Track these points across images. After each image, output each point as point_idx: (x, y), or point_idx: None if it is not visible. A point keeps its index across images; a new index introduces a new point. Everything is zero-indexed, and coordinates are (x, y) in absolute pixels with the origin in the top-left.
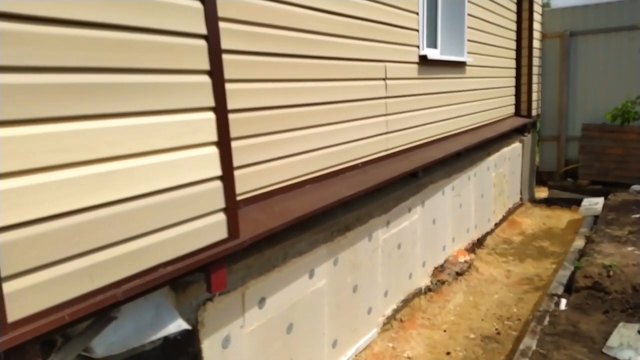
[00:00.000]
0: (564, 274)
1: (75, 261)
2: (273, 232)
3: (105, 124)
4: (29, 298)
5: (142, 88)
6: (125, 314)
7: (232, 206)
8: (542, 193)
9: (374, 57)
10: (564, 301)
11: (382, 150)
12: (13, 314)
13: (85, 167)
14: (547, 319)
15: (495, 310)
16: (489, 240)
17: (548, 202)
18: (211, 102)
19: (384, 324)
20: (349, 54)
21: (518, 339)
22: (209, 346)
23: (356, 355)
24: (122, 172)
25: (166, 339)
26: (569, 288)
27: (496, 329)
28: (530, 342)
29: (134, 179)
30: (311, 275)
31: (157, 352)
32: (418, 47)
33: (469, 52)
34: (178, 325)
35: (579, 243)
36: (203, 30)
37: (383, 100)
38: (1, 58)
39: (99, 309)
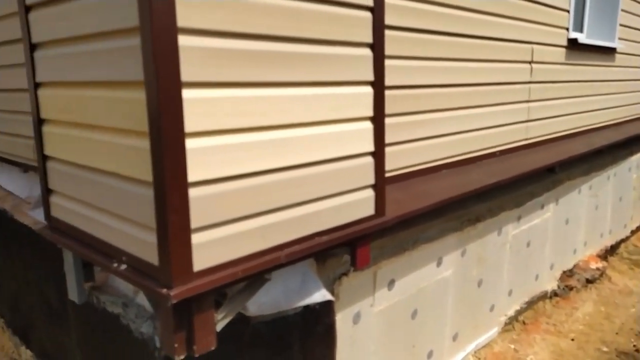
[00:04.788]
0: None
1: (251, 220)
2: (415, 214)
3: (278, 92)
4: (211, 251)
5: (312, 58)
6: (276, 278)
7: (381, 183)
8: None
9: (521, 38)
10: None
11: (521, 139)
12: (198, 264)
13: (261, 132)
14: None
15: (633, 326)
16: (623, 248)
17: None
18: (370, 76)
19: (505, 324)
20: (496, 34)
21: None
22: (342, 319)
23: (475, 352)
24: (291, 140)
25: (306, 307)
26: None
27: (634, 346)
28: None
29: (300, 147)
30: (439, 264)
31: (298, 317)
32: (567, 29)
33: (620, 38)
34: (323, 295)
35: None
36: (370, 1)
37: (526, 86)
38: (202, 21)
39: (265, 269)
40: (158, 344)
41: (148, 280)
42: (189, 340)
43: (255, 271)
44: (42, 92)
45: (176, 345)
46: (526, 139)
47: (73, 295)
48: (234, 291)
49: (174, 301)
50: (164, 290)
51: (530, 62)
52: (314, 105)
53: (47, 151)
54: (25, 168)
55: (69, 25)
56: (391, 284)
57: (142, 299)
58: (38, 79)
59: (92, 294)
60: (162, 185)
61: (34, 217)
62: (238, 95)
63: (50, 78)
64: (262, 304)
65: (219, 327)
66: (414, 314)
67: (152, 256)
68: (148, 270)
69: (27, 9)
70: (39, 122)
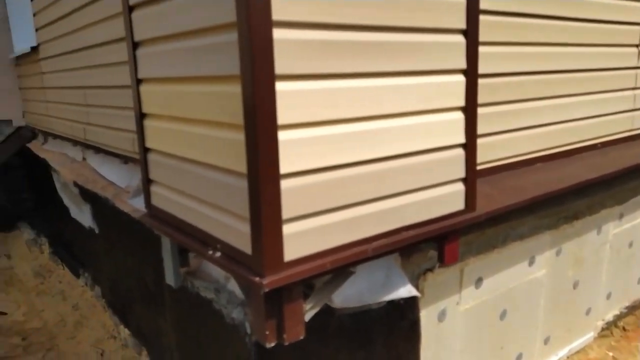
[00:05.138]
0: None
1: (339, 212)
2: (506, 210)
3: (369, 83)
4: (301, 242)
5: (403, 47)
6: (361, 272)
7: (472, 177)
8: None
9: (627, 20)
10: None
11: (625, 130)
12: (289, 254)
13: (351, 124)
14: None
15: None
16: None
17: None
18: (463, 64)
19: (602, 329)
20: (599, 15)
21: None
22: (426, 316)
23: (568, 357)
24: (381, 132)
25: (390, 302)
26: None
27: None
28: None
29: (390, 139)
30: (531, 263)
31: (382, 312)
32: None
33: None
34: (408, 290)
35: None
36: None
37: (633, 71)
38: (296, 13)
39: (352, 262)
40: (249, 330)
41: (241, 268)
42: (279, 329)
43: (342, 263)
44: (143, 88)
45: (267, 332)
46: (631, 130)
47: (170, 279)
48: (320, 283)
49: (266, 290)
50: (257, 279)
51: (637, 46)
52: (405, 96)
53: (148, 144)
54: (125, 160)
55: (169, 23)
56: (479, 282)
57: (233, 286)
58: (140, 76)
59: (187, 279)
60: (256, 176)
61: (133, 205)
62: (329, 87)
63: (151, 74)
64: (347, 296)
65: (307, 317)
66: (502, 315)
67: (245, 245)
68: (241, 259)
69: (130, 9)
70: (141, 117)
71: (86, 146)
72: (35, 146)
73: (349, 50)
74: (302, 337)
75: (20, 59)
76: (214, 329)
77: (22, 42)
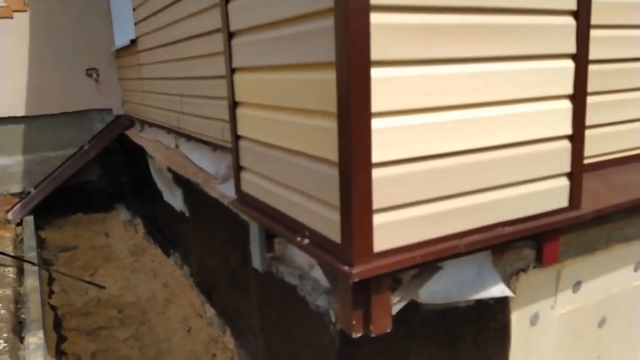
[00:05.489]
0: None
1: (432, 204)
2: (614, 210)
3: (469, 69)
4: (392, 233)
5: (506, 30)
6: (449, 267)
7: (578, 172)
8: None
9: None
10: None
11: None
12: (378, 245)
13: (448, 112)
14: None
15: None
16: None
17: None
18: (572, 49)
19: None
20: None
21: None
22: (517, 318)
23: None
24: (480, 121)
25: (479, 300)
26: None
27: None
28: None
29: (489, 128)
30: (637, 268)
31: (471, 311)
32: None
33: None
34: (501, 290)
35: None
36: None
37: None
38: None
39: (443, 257)
40: (333, 319)
41: (329, 256)
42: (366, 320)
43: (433, 258)
44: (237, 77)
45: (354, 322)
46: None
47: (256, 263)
48: (408, 276)
49: (356, 279)
50: (346, 268)
51: None
52: (507, 82)
53: (240, 131)
54: (214, 147)
55: (264, 12)
56: (577, 286)
57: (317, 273)
58: (234, 65)
59: (273, 264)
60: (348, 165)
61: (221, 191)
62: (426, 73)
63: (245, 63)
64: (433, 292)
65: (395, 310)
66: (601, 322)
67: (334, 234)
68: (330, 247)
69: (227, 0)
70: (234, 105)
71: (179, 134)
72: (132, 133)
73: (448, 34)
74: (389, 330)
75: (120, 51)
76: (298, 315)
77: (122, 36)
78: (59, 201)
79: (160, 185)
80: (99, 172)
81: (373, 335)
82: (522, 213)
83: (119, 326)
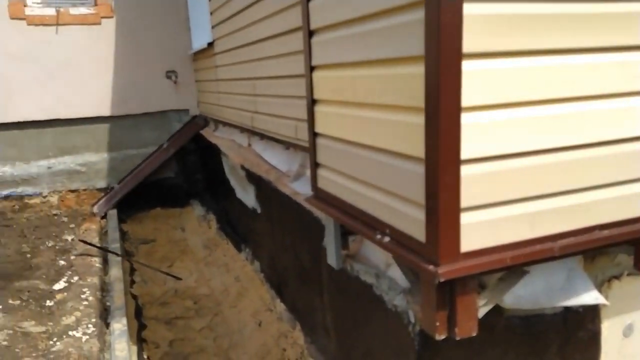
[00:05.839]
0: None
1: (523, 204)
2: None
3: (565, 60)
4: (479, 233)
5: (607, 19)
6: (537, 271)
7: None
8: None
9: None
10: None
11: None
12: (465, 245)
13: (543, 106)
14: None
15: None
16: None
17: None
18: None
19: None
20: None
21: None
22: (609, 329)
23: None
24: (577, 116)
25: (567, 308)
26: None
27: None
28: None
29: (587, 124)
30: None
31: (558, 318)
32: None
33: None
34: (594, 297)
35: None
36: None
37: None
38: None
39: (535, 259)
40: (412, 319)
41: (412, 255)
42: (450, 322)
43: (524, 260)
44: (316, 75)
45: (437, 324)
46: None
47: (331, 260)
48: (493, 279)
49: (442, 279)
50: (430, 267)
51: None
52: (607, 75)
53: (318, 129)
54: (287, 145)
55: (348, 8)
56: None
57: (394, 272)
58: (313, 63)
59: (347, 262)
60: (435, 162)
61: (294, 189)
62: (519, 66)
63: (325, 61)
64: (519, 296)
65: (480, 313)
66: None
67: (418, 232)
68: (412, 246)
69: None
70: (312, 103)
71: (252, 133)
72: (207, 132)
73: (544, 23)
74: (474, 334)
75: (197, 54)
76: (374, 314)
77: (199, 39)
78: (139, 196)
79: (233, 182)
80: (176, 170)
81: (457, 339)
82: (620, 216)
83: (194, 316)
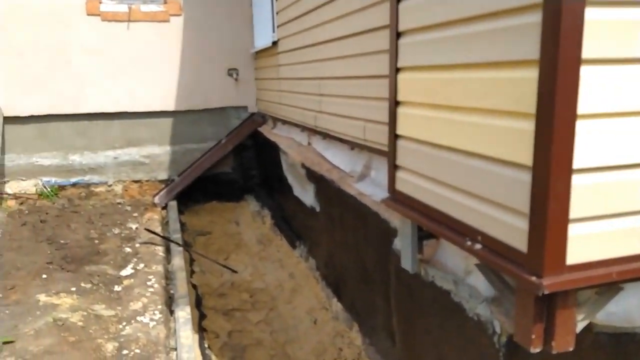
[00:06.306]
0: None
1: (630, 217)
2: None
3: None
4: (587, 245)
5: None
6: (632, 289)
7: None
8: None
9: None
10: None
11: None
12: (572, 257)
13: None
14: None
15: None
16: None
17: None
18: None
19: None
20: None
21: None
22: None
23: None
24: None
25: None
26: None
27: None
28: None
29: None
30: None
31: None
32: None
33: None
34: None
35: None
36: None
37: None
38: None
39: None
40: (498, 329)
41: (510, 264)
42: (547, 335)
43: (631, 276)
44: (401, 76)
45: (533, 336)
46: None
47: (406, 264)
48: (588, 294)
49: (546, 292)
50: (533, 279)
51: None
52: None
53: (400, 131)
54: (352, 146)
55: (448, 10)
56: None
57: (474, 280)
58: (399, 65)
59: (421, 266)
60: (545, 170)
61: (359, 189)
62: (637, 73)
63: (413, 63)
64: (611, 313)
65: (578, 328)
66: None
67: (518, 241)
68: (510, 255)
69: (398, 0)
70: (395, 104)
71: (314, 132)
72: (265, 130)
73: None
74: (571, 349)
75: (259, 53)
76: (451, 321)
77: (262, 38)
78: (196, 189)
79: (290, 180)
80: (233, 165)
81: (554, 352)
82: None
83: (250, 309)
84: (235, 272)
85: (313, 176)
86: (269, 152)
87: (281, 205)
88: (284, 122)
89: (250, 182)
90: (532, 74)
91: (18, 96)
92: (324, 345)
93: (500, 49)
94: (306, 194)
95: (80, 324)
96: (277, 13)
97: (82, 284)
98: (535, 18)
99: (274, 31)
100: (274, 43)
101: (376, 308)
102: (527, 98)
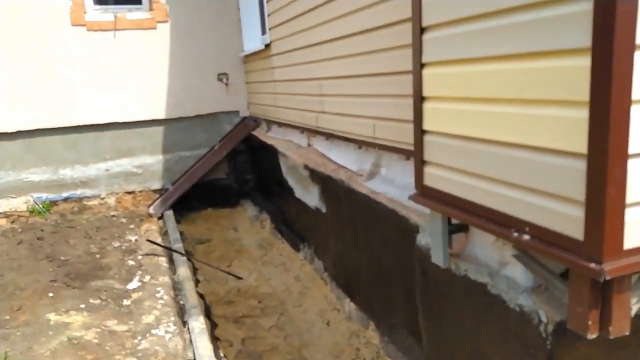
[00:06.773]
0: None
1: None
2: None
3: None
4: None
5: None
6: None
7: None
8: None
9: None
10: None
11: None
12: (629, 242)
13: None
14: None
15: None
16: None
17: None
18: None
19: None
20: None
21: None
22: None
23: None
24: None
25: None
26: None
27: None
28: None
29: None
30: None
31: None
32: None
33: None
34: None
35: None
36: None
37: None
38: None
39: None
40: (544, 318)
41: (565, 253)
42: (602, 321)
43: None
44: (427, 72)
45: (590, 322)
46: None
47: (437, 259)
48: (635, 278)
49: (608, 277)
50: (592, 265)
51: None
52: None
53: (427, 126)
54: (359, 145)
55: (480, 2)
56: None
57: (511, 271)
58: (424, 60)
59: (451, 261)
60: (602, 157)
61: (370, 188)
62: None
63: (440, 57)
64: None
65: (632, 312)
66: None
67: (572, 229)
68: (563, 243)
69: None
70: (421, 100)
71: (315, 133)
72: (260, 133)
73: None
74: (627, 333)
75: (249, 56)
76: (489, 314)
77: (253, 41)
78: (190, 197)
79: (291, 182)
80: (227, 170)
81: (611, 337)
82: None
83: (261, 315)
84: (240, 278)
85: (318, 177)
86: (265, 156)
87: (281, 209)
88: (280, 124)
89: (246, 187)
90: (583, 62)
91: (5, 112)
92: (340, 346)
93: (546, 39)
94: (309, 196)
95: (95, 341)
96: (268, 15)
97: (91, 300)
98: (585, 6)
99: (264, 33)
100: (267, 46)
101: (396, 305)
102: (579, 86)
